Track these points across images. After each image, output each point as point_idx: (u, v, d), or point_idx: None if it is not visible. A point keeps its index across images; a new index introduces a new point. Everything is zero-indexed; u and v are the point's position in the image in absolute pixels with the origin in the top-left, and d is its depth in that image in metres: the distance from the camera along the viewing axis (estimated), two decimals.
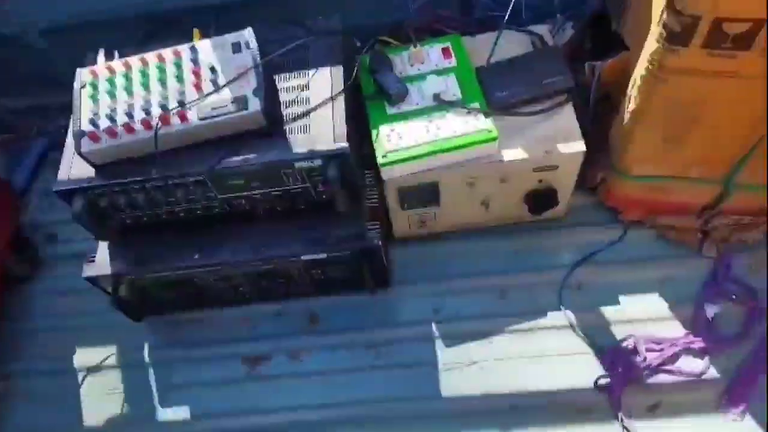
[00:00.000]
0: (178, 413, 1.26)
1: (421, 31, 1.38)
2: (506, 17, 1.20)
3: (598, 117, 1.25)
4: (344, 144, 1.02)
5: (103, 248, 1.18)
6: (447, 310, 1.30)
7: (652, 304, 1.26)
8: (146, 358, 1.32)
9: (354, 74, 1.14)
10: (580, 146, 1.14)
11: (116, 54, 1.11)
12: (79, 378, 1.32)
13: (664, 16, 0.91)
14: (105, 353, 1.34)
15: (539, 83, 1.18)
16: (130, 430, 1.27)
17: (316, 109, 1.07)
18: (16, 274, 1.41)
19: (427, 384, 1.23)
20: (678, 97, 1.02)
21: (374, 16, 1.38)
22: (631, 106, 1.09)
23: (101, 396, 1.30)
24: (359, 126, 1.17)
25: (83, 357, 1.34)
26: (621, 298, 1.27)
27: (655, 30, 0.96)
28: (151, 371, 1.31)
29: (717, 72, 0.95)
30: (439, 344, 1.26)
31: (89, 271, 1.16)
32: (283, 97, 1.09)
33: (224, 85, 1.02)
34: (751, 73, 0.95)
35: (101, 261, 1.17)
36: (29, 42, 1.49)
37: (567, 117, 1.17)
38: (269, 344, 1.30)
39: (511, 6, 1.18)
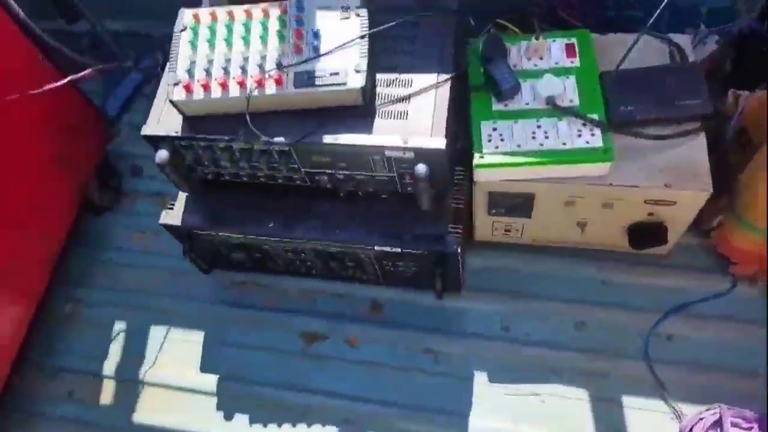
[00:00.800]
0: (221, 370, 1.26)
1: (545, 20, 1.26)
2: (651, 21, 1.05)
3: (729, 153, 1.10)
4: (441, 142, 0.93)
5: (183, 196, 1.18)
6: (517, 330, 1.21)
7: (748, 374, 1.11)
8: (208, 311, 1.33)
9: (464, 61, 1.04)
10: (707, 186, 0.99)
11: None
12: (140, 318, 1.34)
13: None
14: (170, 297, 1.35)
15: (672, 103, 1.03)
16: (169, 373, 1.28)
17: (417, 94, 0.98)
18: (99, 204, 1.44)
19: (481, 405, 1.15)
20: None
21: None
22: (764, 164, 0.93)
23: (157, 339, 1.32)
24: (459, 116, 1.08)
25: (148, 298, 1.36)
26: (714, 359, 1.13)
27: None
28: (209, 324, 1.31)
29: None
30: (502, 365, 1.18)
31: (167, 218, 1.16)
32: (386, 75, 1.01)
33: (325, 54, 0.95)
34: None
35: (179, 210, 1.16)
36: None
37: (698, 148, 1.02)
38: (328, 324, 1.27)
39: (659, 10, 1.03)
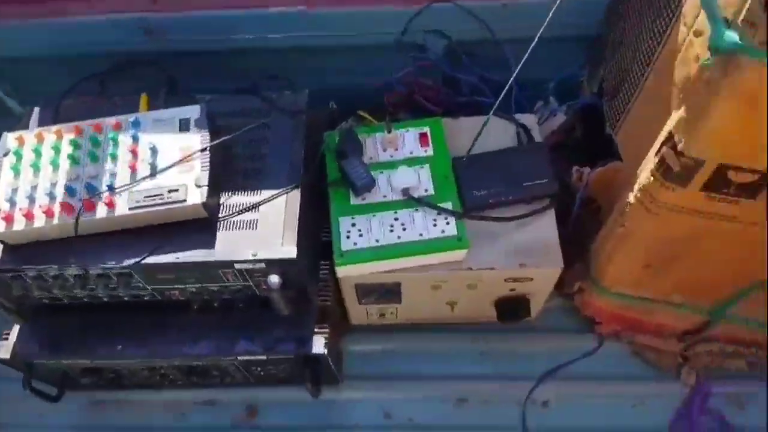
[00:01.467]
0: None
1: (401, 105, 1.28)
2: (495, 106, 1.09)
3: (581, 223, 1.15)
4: (292, 252, 0.89)
5: (18, 326, 1.05)
6: (399, 416, 1.19)
7: (620, 430, 1.16)
8: None
9: (318, 161, 1.02)
10: (558, 263, 1.03)
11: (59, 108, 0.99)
12: None
13: (664, 150, 0.81)
14: (15, 428, 1.20)
15: (520, 185, 1.06)
16: None
17: (267, 201, 0.95)
18: None
19: None
20: (668, 232, 0.91)
21: (356, 76, 1.28)
22: (616, 228, 0.99)
23: None
24: (319, 212, 1.06)
25: None
26: (588, 421, 1.17)
27: (652, 160, 0.85)
28: None
29: (715, 214, 0.85)
30: None
31: (7, 352, 1.02)
32: (233, 182, 0.97)
33: (162, 170, 0.89)
34: (753, 220, 0.85)
35: (15, 339, 1.04)
36: None
37: (547, 226, 1.06)
38: None
39: (501, 96, 1.07)
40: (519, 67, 1.03)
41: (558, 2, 0.92)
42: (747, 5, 0.61)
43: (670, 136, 0.81)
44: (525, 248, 1.04)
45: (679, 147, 0.77)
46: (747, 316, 1.07)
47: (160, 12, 1.25)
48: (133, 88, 1.13)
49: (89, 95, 1.10)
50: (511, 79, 1.06)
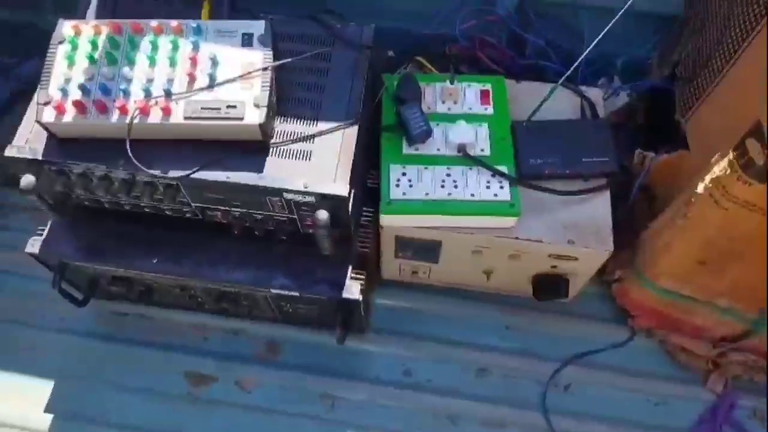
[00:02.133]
0: (94, 414, 1.13)
1: (462, 59, 1.24)
2: (565, 76, 1.04)
3: (635, 208, 1.11)
4: (344, 189, 0.87)
5: (55, 223, 1.05)
6: (418, 375, 1.17)
7: (640, 426, 1.13)
8: (80, 345, 1.20)
9: (376, 100, 0.99)
10: (608, 246, 0.99)
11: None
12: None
13: (749, 141, 0.76)
14: (37, 329, 1.21)
15: (579, 160, 1.03)
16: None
17: (323, 134, 0.92)
18: None
19: None
20: (733, 228, 0.87)
21: (417, 22, 1.23)
22: (677, 219, 0.94)
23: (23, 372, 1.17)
24: (369, 154, 1.03)
25: (11, 327, 1.21)
26: (608, 411, 1.14)
27: (730, 152, 0.80)
28: (84, 359, 1.18)
29: None
30: (400, 414, 1.14)
31: (34, 246, 1.02)
32: (290, 108, 0.94)
33: (220, 83, 0.86)
34: None
35: (50, 238, 1.03)
36: None
37: (602, 206, 1.02)
38: (218, 364, 1.17)
39: (575, 64, 1.02)
40: (597, 40, 0.98)
41: None
42: None
43: (757, 126, 0.76)
44: (575, 225, 1.00)
45: None
46: None
47: None
48: None
49: None
50: (587, 50, 1.01)
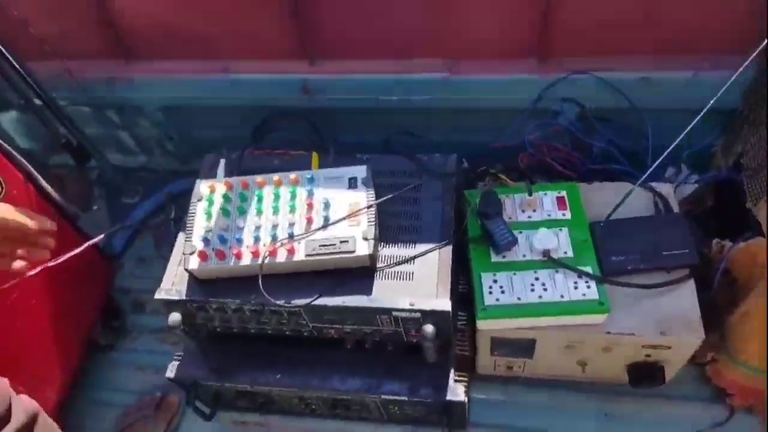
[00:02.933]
0: None
1: (533, 167, 1.35)
2: (642, 179, 1.12)
3: (717, 293, 1.15)
4: (447, 304, 0.98)
5: (189, 348, 1.19)
6: None
7: None
8: None
9: (464, 223, 1.11)
10: (699, 334, 1.04)
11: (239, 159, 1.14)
12: None
13: None
14: None
15: (659, 254, 1.10)
16: None
17: (421, 255, 1.04)
18: (101, 343, 1.45)
19: None
20: None
21: (487, 135, 1.36)
22: (757, 311, 0.99)
23: None
24: (459, 265, 1.14)
25: None
26: None
27: None
28: None
29: None
30: None
31: (173, 372, 1.17)
32: (392, 235, 1.07)
33: (334, 222, 1.01)
34: None
35: (184, 362, 1.18)
36: (148, 112, 1.58)
37: (687, 296, 1.08)
38: None
39: (649, 171, 1.10)
40: (675, 143, 1.05)
41: (718, 96, 0.95)
42: None
43: None
44: (665, 317, 1.06)
45: None
46: None
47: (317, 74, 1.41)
48: (287, 140, 1.28)
49: (261, 147, 1.26)
50: (664, 154, 1.07)
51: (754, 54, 0.92)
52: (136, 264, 1.59)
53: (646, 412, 1.24)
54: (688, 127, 0.99)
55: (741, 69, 0.96)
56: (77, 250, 0.93)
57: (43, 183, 1.21)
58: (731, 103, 1.25)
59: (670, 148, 1.04)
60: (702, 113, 0.96)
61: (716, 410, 1.23)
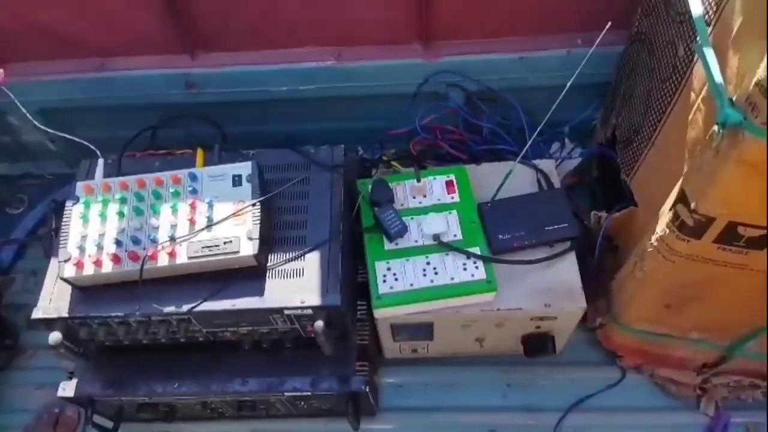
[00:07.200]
0: None
1: (426, 152, 1.37)
2: (520, 156, 1.16)
3: (601, 261, 1.22)
4: (337, 299, 0.98)
5: (81, 364, 1.14)
6: None
7: None
8: None
9: (354, 212, 1.11)
10: (581, 303, 1.10)
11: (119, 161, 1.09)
12: None
13: (677, 207, 0.88)
14: None
15: (542, 229, 1.14)
16: None
17: (311, 251, 1.03)
18: None
19: None
20: (684, 277, 0.98)
21: (384, 122, 1.37)
22: (636, 272, 1.06)
23: None
24: (356, 254, 1.14)
25: None
26: None
27: (667, 214, 0.92)
28: None
29: (727, 263, 0.92)
30: None
31: (66, 391, 1.11)
32: (279, 233, 1.05)
33: (217, 222, 0.98)
34: (762, 268, 0.91)
35: (79, 380, 1.13)
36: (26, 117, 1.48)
37: (569, 268, 1.13)
38: None
39: (525, 148, 1.14)
40: (544, 121, 1.10)
41: (584, 60, 0.99)
42: (750, 88, 0.68)
43: (682, 193, 0.88)
44: (549, 289, 1.11)
45: (692, 205, 0.84)
46: (761, 352, 1.13)
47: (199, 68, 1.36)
48: (178, 137, 1.24)
49: (142, 146, 1.21)
50: (536, 131, 1.12)
51: (604, 31, 0.96)
52: (27, 278, 1.50)
53: (545, 379, 1.31)
54: (553, 106, 1.03)
55: (593, 47, 1.00)
56: None
57: None
58: (608, 77, 1.31)
59: (541, 125, 1.08)
60: (564, 92, 1.00)
61: (609, 372, 1.30)
